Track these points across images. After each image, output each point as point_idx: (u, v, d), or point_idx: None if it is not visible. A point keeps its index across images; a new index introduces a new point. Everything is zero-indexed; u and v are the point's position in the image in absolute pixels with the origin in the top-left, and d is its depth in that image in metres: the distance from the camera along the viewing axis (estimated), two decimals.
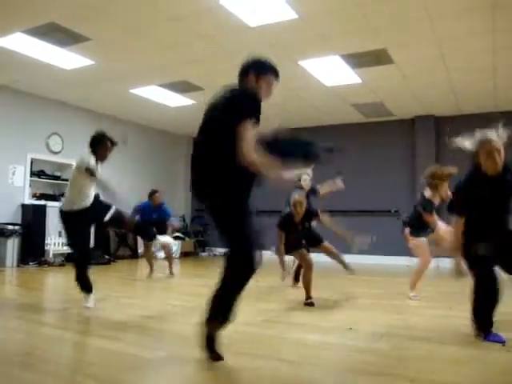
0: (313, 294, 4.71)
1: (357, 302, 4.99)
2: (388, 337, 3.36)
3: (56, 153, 9.37)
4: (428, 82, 7.82)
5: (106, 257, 9.33)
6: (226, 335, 2.67)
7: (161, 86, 8.29)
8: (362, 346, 3.14)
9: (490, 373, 2.63)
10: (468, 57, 6.60)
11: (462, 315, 3.54)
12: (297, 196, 4.87)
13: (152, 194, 7.50)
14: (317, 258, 5.25)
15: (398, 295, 5.09)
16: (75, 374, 2.53)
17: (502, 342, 3.03)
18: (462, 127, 9.94)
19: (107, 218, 4.46)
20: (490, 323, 3.16)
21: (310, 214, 4.93)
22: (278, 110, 9.82)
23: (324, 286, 5.88)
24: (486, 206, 3.19)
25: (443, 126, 10.00)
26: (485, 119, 9.33)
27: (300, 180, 5.86)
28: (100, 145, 4.53)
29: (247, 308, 4.37)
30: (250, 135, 2.43)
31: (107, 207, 4.52)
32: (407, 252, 9.95)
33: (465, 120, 9.80)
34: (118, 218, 4.54)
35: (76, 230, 4.36)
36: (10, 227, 8.10)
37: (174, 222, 9.62)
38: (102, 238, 9.88)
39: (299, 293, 5.02)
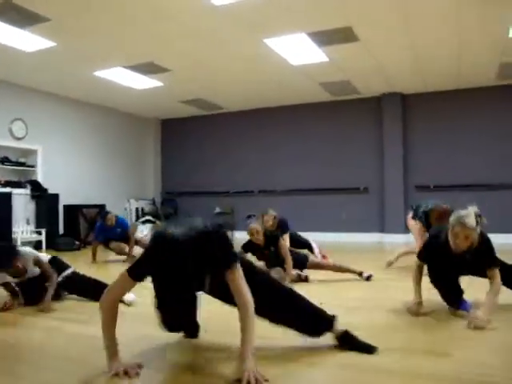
0: None
1: (326, 279, 5.01)
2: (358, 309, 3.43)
3: (20, 139, 9.14)
4: (394, 60, 7.87)
5: (76, 243, 9.21)
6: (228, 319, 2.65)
7: (126, 67, 8.13)
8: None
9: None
10: (434, 33, 6.65)
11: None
12: (251, 225, 4.81)
13: (104, 216, 7.24)
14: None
15: (366, 271, 5.12)
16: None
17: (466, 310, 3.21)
18: (429, 105, 10.22)
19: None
20: (457, 296, 3.31)
21: (274, 238, 4.87)
22: (243, 89, 9.79)
23: None
24: (443, 273, 3.31)
25: (410, 104, 10.14)
26: (450, 97, 9.48)
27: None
28: None
29: None
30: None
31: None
32: (376, 228, 10.20)
33: (431, 97, 9.96)
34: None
35: None
36: None
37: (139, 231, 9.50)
38: (72, 225, 9.77)
39: None
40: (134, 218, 11.59)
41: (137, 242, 7.28)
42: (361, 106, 10.58)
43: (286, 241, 5.30)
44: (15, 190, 8.80)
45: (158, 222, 11.50)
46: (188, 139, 12.43)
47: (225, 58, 7.71)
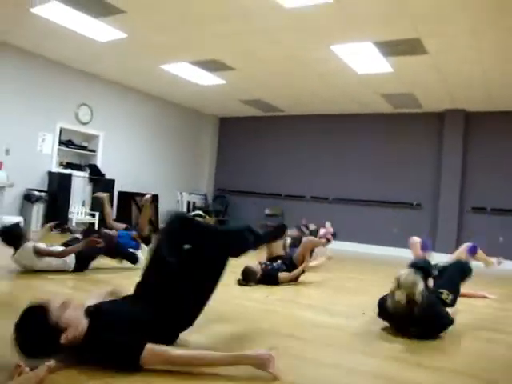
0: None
1: (370, 289, 4.97)
2: None
3: (84, 123, 9.50)
4: (461, 75, 7.66)
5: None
6: (241, 311, 2.71)
7: (191, 63, 8.29)
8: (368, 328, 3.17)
9: None
10: (505, 52, 6.44)
11: None
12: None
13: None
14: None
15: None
16: None
17: None
18: (492, 124, 9.88)
19: None
20: None
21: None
22: (307, 94, 9.78)
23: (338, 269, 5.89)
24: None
25: (473, 122, 9.84)
26: None
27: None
28: None
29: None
30: None
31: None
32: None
33: (496, 117, 9.63)
34: None
35: None
36: (37, 193, 8.29)
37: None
38: (124, 211, 10.05)
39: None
40: (184, 211, 11.79)
41: None
42: (422, 120, 10.36)
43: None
44: (75, 172, 9.16)
45: (207, 218, 11.66)
46: (244, 139, 12.55)
47: (289, 61, 7.74)
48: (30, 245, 4.24)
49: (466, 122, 9.86)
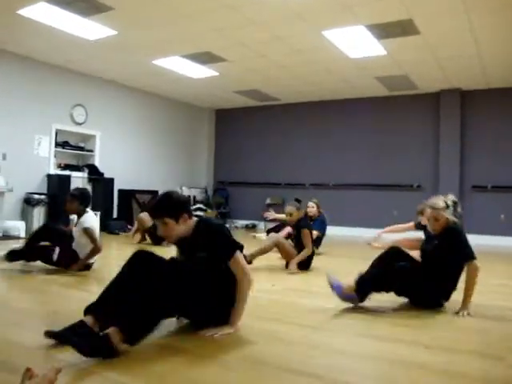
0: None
1: None
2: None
3: (80, 124, 9.47)
4: (455, 55, 7.63)
5: (129, 226, 9.47)
6: (250, 302, 2.73)
7: (183, 56, 8.25)
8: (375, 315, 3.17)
9: None
10: (499, 28, 6.39)
11: None
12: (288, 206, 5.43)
13: None
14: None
15: None
16: None
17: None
18: (489, 102, 9.84)
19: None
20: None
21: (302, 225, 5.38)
22: (300, 82, 9.74)
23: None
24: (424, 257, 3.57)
25: (469, 100, 9.80)
26: None
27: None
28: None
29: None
30: None
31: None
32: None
33: (492, 94, 9.59)
34: None
35: None
36: (37, 196, 8.27)
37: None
38: (125, 209, 10.07)
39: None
40: None
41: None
42: (418, 101, 10.32)
43: (310, 235, 5.38)
44: (74, 173, 9.14)
45: (209, 211, 11.66)
46: (241, 129, 12.51)
47: (281, 50, 7.69)
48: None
49: (462, 100, 9.82)
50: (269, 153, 12.05)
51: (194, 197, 12.17)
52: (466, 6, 5.71)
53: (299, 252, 5.19)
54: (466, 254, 3.26)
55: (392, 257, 3.46)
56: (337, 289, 3.33)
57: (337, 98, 11.06)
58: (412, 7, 5.85)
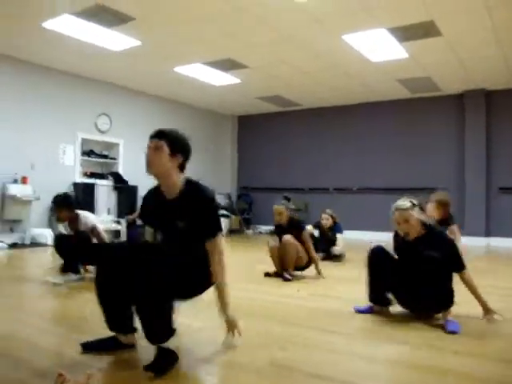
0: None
1: None
2: None
3: (104, 132, 9.61)
4: (478, 55, 7.53)
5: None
6: (272, 307, 2.73)
7: (205, 63, 8.31)
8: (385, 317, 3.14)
9: None
10: None
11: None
12: (275, 205, 5.41)
13: None
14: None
15: None
16: None
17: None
18: None
19: None
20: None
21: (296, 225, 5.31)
22: (322, 86, 9.72)
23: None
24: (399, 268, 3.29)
25: (494, 100, 9.65)
26: None
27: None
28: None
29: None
30: None
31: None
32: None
33: None
34: None
35: None
36: None
37: None
38: None
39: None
40: None
41: None
42: (441, 103, 10.20)
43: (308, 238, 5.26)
44: (99, 181, 9.27)
45: (233, 217, 11.69)
46: (264, 135, 12.54)
47: (303, 55, 7.70)
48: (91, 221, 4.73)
49: (487, 101, 9.68)
50: (291, 158, 12.04)
51: (218, 203, 12.19)
52: (486, 4, 5.64)
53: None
54: (460, 265, 3.12)
55: (384, 261, 3.30)
56: (363, 311, 3.35)
57: (358, 102, 11.00)
58: (433, 8, 5.80)
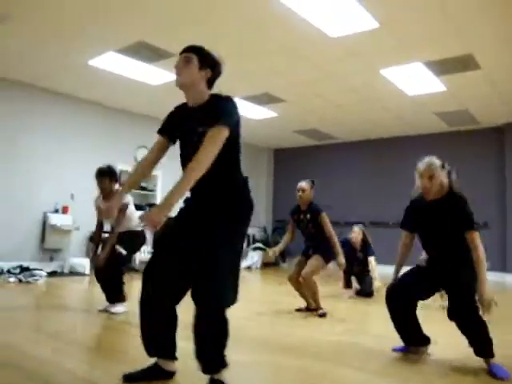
0: None
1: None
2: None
3: None
4: None
5: None
6: (311, 342, 2.68)
7: (243, 98, 8.45)
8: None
9: None
10: None
11: None
12: (299, 183, 5.64)
13: None
14: None
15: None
16: None
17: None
18: None
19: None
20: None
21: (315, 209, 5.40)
22: (360, 120, 9.72)
23: None
24: (425, 232, 3.23)
25: None
26: None
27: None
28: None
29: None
30: None
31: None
32: (497, 267, 9.49)
33: None
34: None
35: None
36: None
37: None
38: None
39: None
40: (244, 245, 11.82)
41: None
42: (480, 136, 10.02)
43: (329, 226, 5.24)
44: (137, 213, 9.39)
45: (267, 250, 11.62)
46: (299, 168, 12.55)
47: (340, 89, 7.75)
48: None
49: None
50: (326, 191, 11.97)
51: (254, 235, 12.21)
52: None
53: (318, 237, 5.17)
54: (469, 222, 2.91)
55: (402, 300, 3.19)
56: (402, 350, 3.25)
57: (395, 135, 10.93)
58: (471, 42, 5.77)
